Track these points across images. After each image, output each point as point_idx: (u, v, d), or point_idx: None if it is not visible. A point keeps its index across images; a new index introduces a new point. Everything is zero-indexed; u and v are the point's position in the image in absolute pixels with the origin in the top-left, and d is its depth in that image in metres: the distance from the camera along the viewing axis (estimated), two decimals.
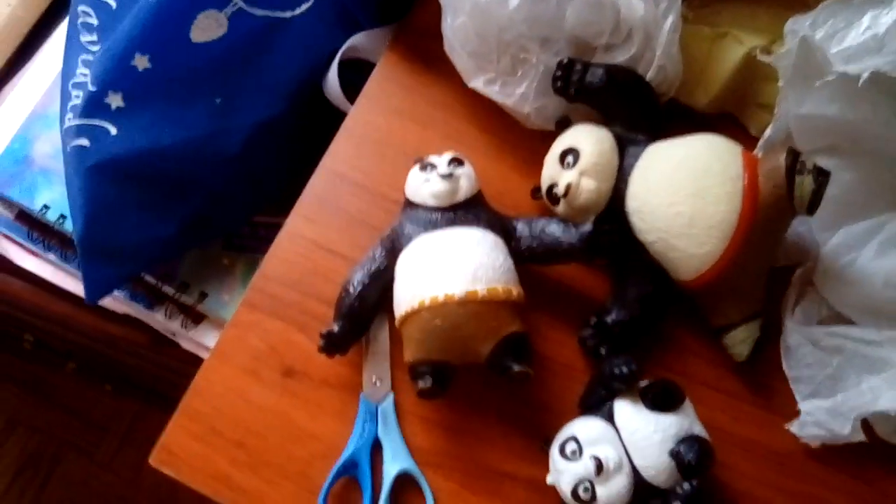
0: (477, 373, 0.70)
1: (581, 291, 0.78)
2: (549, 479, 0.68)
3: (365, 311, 0.73)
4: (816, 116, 0.73)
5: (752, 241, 0.68)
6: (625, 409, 0.67)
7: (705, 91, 0.81)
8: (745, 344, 0.74)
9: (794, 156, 0.67)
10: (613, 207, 0.72)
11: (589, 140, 0.73)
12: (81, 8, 0.93)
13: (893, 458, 0.74)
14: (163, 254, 0.95)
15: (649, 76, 0.76)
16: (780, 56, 0.73)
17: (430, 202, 0.71)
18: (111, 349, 1.15)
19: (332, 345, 0.72)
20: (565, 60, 0.75)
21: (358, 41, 0.91)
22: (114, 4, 0.92)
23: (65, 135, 0.88)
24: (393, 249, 0.72)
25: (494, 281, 0.67)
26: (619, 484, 0.64)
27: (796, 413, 0.73)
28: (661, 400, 0.66)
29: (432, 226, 0.70)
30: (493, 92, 0.79)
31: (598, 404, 0.69)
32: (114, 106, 0.86)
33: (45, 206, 1.00)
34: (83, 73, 0.88)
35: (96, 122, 0.86)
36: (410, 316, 0.68)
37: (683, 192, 0.69)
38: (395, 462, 0.72)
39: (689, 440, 0.64)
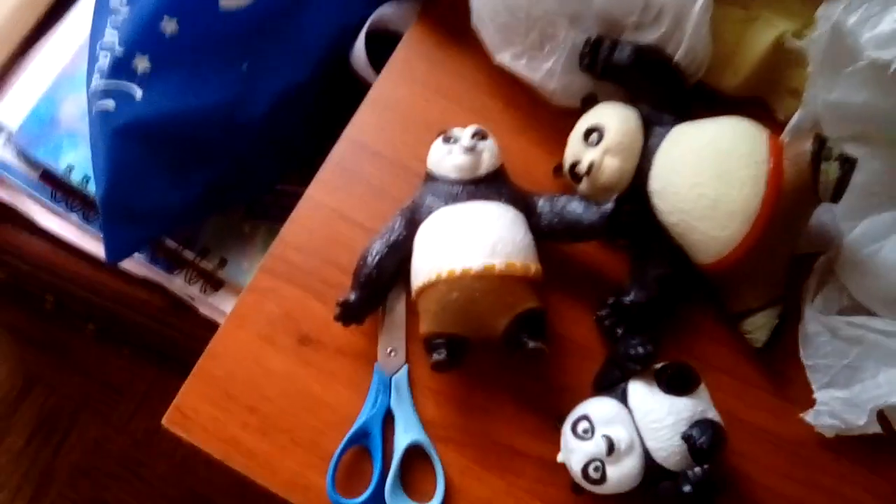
0: (491, 349, 0.70)
1: (599, 271, 0.78)
2: (560, 457, 0.68)
3: (382, 281, 0.73)
4: (845, 103, 0.72)
5: (774, 226, 0.67)
6: (639, 391, 0.66)
7: (734, 74, 0.80)
8: (762, 330, 0.73)
9: (820, 142, 0.67)
10: (636, 187, 0.72)
11: (614, 118, 0.72)
12: None
13: None
14: (184, 218, 0.95)
15: (678, 57, 0.75)
16: (810, 41, 0.72)
17: (452, 175, 0.71)
18: (130, 312, 1.16)
19: (349, 314, 0.72)
20: (593, 38, 0.74)
21: (386, 12, 0.91)
22: None
23: (91, 96, 0.88)
24: (413, 220, 0.72)
25: (513, 256, 0.67)
26: (629, 465, 0.64)
27: (812, 402, 0.73)
28: (675, 383, 0.65)
29: (453, 199, 0.70)
30: (520, 66, 0.78)
31: (612, 385, 0.68)
32: (140, 69, 0.86)
33: (70, 167, 1.00)
34: (111, 35, 0.88)
35: (122, 84, 0.86)
36: (427, 288, 0.68)
37: (707, 174, 0.68)
38: (406, 434, 0.72)
39: (702, 424, 0.64)
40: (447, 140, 0.72)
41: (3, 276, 1.38)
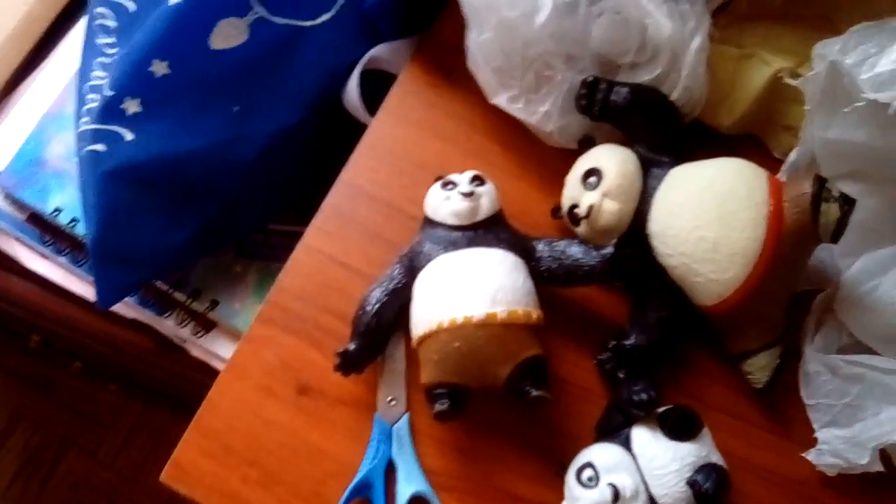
0: (493, 395, 0.69)
1: (599, 313, 0.77)
2: None
3: (382, 329, 0.72)
4: (842, 141, 0.72)
5: (775, 268, 0.67)
6: (642, 437, 0.66)
7: (729, 112, 0.80)
8: (764, 371, 0.73)
9: (820, 183, 0.66)
10: (635, 230, 0.72)
11: (612, 161, 0.72)
12: (99, 10, 0.92)
13: None
14: (177, 261, 0.94)
15: (674, 96, 0.75)
16: (807, 80, 0.72)
17: (451, 221, 0.70)
18: (119, 353, 1.15)
19: (348, 364, 0.71)
20: (590, 79, 0.74)
21: (379, 52, 0.90)
22: (132, 7, 0.92)
23: (79, 138, 0.87)
24: (411, 268, 0.71)
25: (514, 303, 0.66)
26: None
27: (813, 441, 0.73)
28: (679, 428, 0.65)
29: (452, 245, 0.69)
30: (517, 109, 0.78)
31: (615, 430, 0.68)
32: (130, 111, 0.85)
33: (58, 209, 0.99)
34: (99, 76, 0.88)
35: (112, 127, 0.85)
36: (428, 337, 0.67)
37: (707, 216, 0.68)
38: (409, 484, 0.71)
39: (707, 469, 0.63)
40: (445, 185, 0.72)
41: None
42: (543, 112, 0.77)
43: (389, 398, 0.73)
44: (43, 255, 1.02)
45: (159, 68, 0.85)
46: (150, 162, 0.86)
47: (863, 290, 0.74)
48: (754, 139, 0.83)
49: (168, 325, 0.99)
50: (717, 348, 0.75)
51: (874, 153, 0.72)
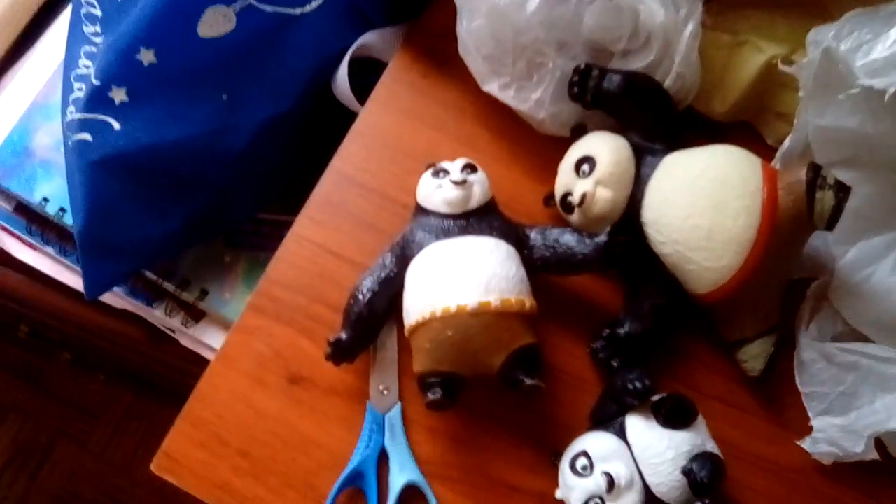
0: (485, 383, 0.68)
1: (593, 302, 0.77)
2: (559, 494, 0.67)
3: (374, 318, 0.71)
4: (837, 128, 0.71)
5: (769, 255, 0.67)
6: (637, 425, 0.65)
7: (723, 99, 0.80)
8: (758, 359, 0.73)
9: (814, 170, 0.66)
10: (629, 218, 0.71)
11: (605, 148, 0.72)
12: None
13: None
14: (165, 251, 0.93)
15: (667, 83, 0.74)
16: (801, 67, 0.71)
17: (443, 209, 0.70)
18: (108, 343, 1.14)
19: (340, 353, 0.70)
20: (582, 66, 0.73)
21: (369, 40, 0.89)
22: None
23: (66, 128, 0.86)
24: (403, 256, 0.70)
25: (507, 292, 0.66)
26: (629, 501, 0.63)
27: (808, 430, 0.73)
28: (674, 416, 0.64)
29: (444, 233, 0.69)
30: (508, 97, 0.77)
31: (609, 418, 0.68)
32: (118, 100, 0.84)
33: (45, 199, 0.98)
34: (86, 65, 0.87)
35: (99, 116, 0.84)
36: (421, 326, 0.66)
37: (701, 204, 0.68)
38: (401, 473, 0.70)
39: (702, 458, 0.63)
40: (436, 173, 0.71)
41: None
42: (535, 99, 0.77)
43: (382, 387, 0.73)
44: (30, 245, 1.01)
45: (146, 57, 0.84)
46: (138, 151, 0.85)
47: (858, 278, 0.74)
48: (748, 126, 0.83)
49: (157, 315, 0.99)
50: (711, 336, 0.75)
51: (869, 140, 0.71)
